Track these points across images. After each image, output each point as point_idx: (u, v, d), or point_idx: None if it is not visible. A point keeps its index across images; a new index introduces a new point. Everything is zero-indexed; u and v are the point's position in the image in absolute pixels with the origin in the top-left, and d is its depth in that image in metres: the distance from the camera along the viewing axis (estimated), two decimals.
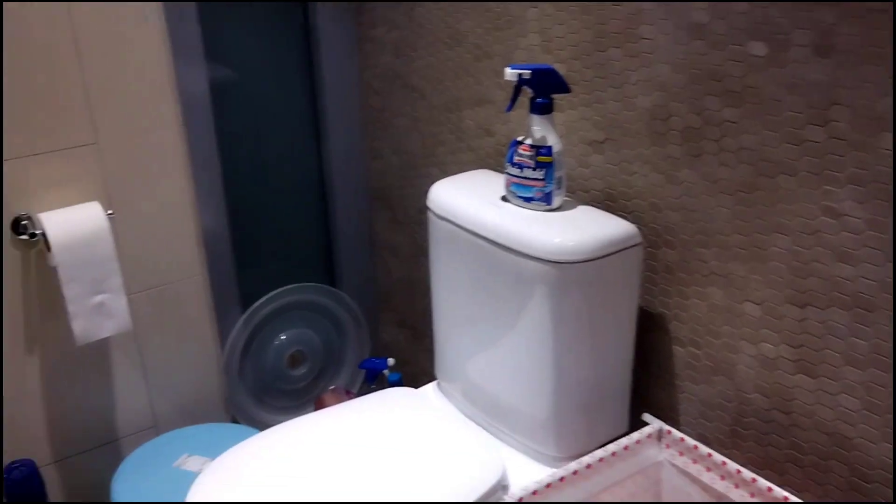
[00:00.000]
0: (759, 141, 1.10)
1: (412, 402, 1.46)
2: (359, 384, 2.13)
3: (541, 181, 1.27)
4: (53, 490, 1.67)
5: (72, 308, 1.49)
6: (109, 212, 1.54)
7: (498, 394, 1.38)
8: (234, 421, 1.91)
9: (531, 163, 1.26)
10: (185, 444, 1.68)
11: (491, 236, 1.28)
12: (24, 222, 1.49)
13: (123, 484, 1.57)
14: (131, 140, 1.58)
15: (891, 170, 0.97)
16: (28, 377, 1.59)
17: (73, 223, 1.48)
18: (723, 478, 1.17)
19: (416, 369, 2.04)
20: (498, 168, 1.53)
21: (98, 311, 1.52)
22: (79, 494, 1.70)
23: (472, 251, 1.33)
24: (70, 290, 1.48)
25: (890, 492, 1.08)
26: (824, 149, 1.03)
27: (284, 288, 1.95)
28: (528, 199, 1.29)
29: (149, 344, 1.71)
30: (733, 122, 1.13)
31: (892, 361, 1.04)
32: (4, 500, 1.51)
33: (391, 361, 1.98)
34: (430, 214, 1.42)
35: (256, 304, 1.91)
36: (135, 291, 1.66)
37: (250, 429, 1.74)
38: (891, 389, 1.05)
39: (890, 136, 0.96)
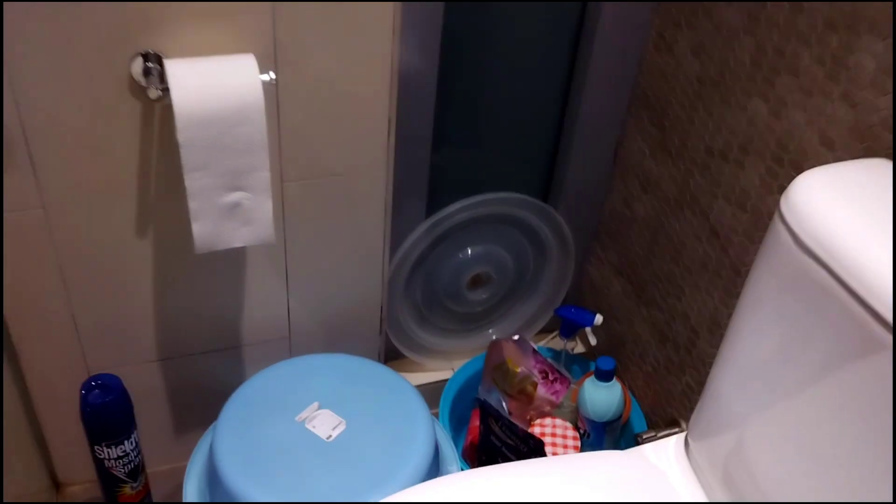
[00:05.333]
0: None
1: (646, 485, 0.88)
2: (540, 328, 1.56)
3: None
4: (154, 394, 1.23)
5: (194, 205, 0.95)
6: (270, 74, 0.95)
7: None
8: (388, 340, 1.40)
9: None
10: (317, 383, 1.18)
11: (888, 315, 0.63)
12: (149, 64, 0.93)
13: (226, 433, 1.09)
14: None
15: None
16: (133, 262, 1.10)
17: (212, 83, 0.90)
18: None
19: (624, 330, 1.44)
20: None
21: (231, 213, 0.98)
22: (187, 394, 1.27)
23: (836, 313, 0.69)
24: (195, 181, 0.93)
25: None
26: None
27: (487, 196, 1.35)
28: None
29: (297, 242, 1.18)
30: None
31: None
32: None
33: (598, 319, 1.40)
34: (780, 225, 0.76)
35: (448, 209, 1.33)
36: (290, 179, 1.10)
37: (402, 378, 1.22)
38: None
39: None
